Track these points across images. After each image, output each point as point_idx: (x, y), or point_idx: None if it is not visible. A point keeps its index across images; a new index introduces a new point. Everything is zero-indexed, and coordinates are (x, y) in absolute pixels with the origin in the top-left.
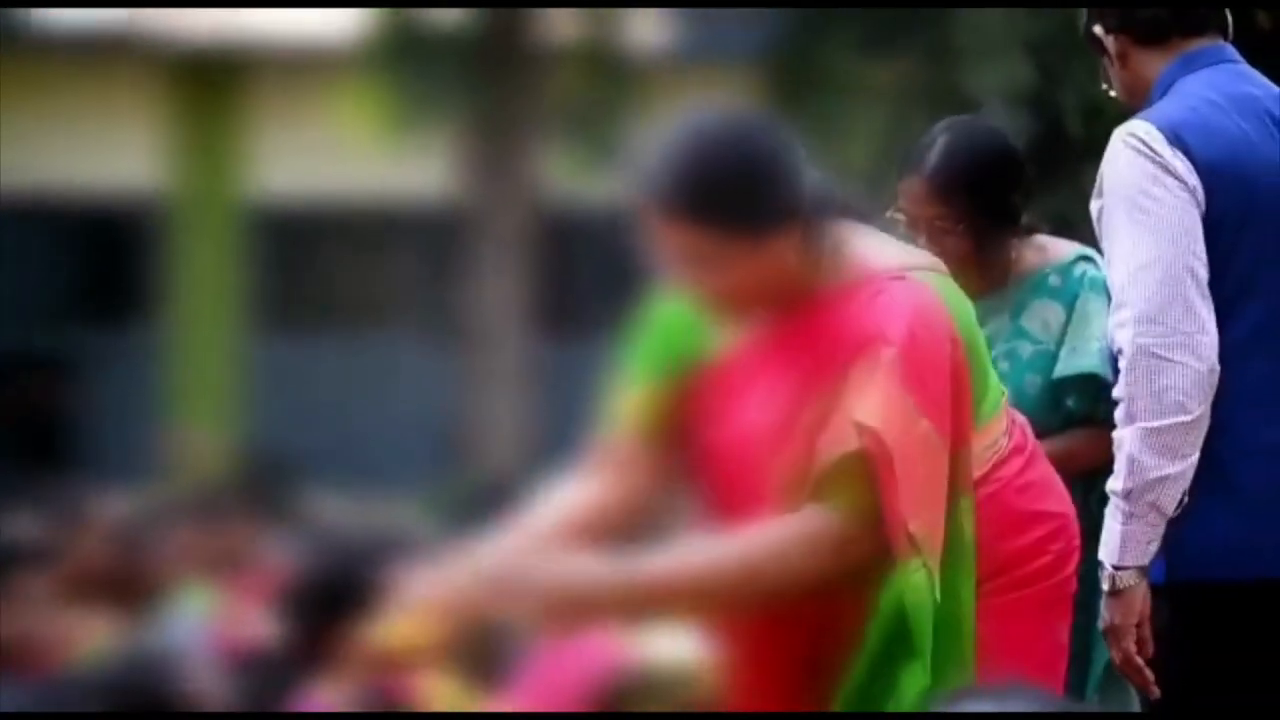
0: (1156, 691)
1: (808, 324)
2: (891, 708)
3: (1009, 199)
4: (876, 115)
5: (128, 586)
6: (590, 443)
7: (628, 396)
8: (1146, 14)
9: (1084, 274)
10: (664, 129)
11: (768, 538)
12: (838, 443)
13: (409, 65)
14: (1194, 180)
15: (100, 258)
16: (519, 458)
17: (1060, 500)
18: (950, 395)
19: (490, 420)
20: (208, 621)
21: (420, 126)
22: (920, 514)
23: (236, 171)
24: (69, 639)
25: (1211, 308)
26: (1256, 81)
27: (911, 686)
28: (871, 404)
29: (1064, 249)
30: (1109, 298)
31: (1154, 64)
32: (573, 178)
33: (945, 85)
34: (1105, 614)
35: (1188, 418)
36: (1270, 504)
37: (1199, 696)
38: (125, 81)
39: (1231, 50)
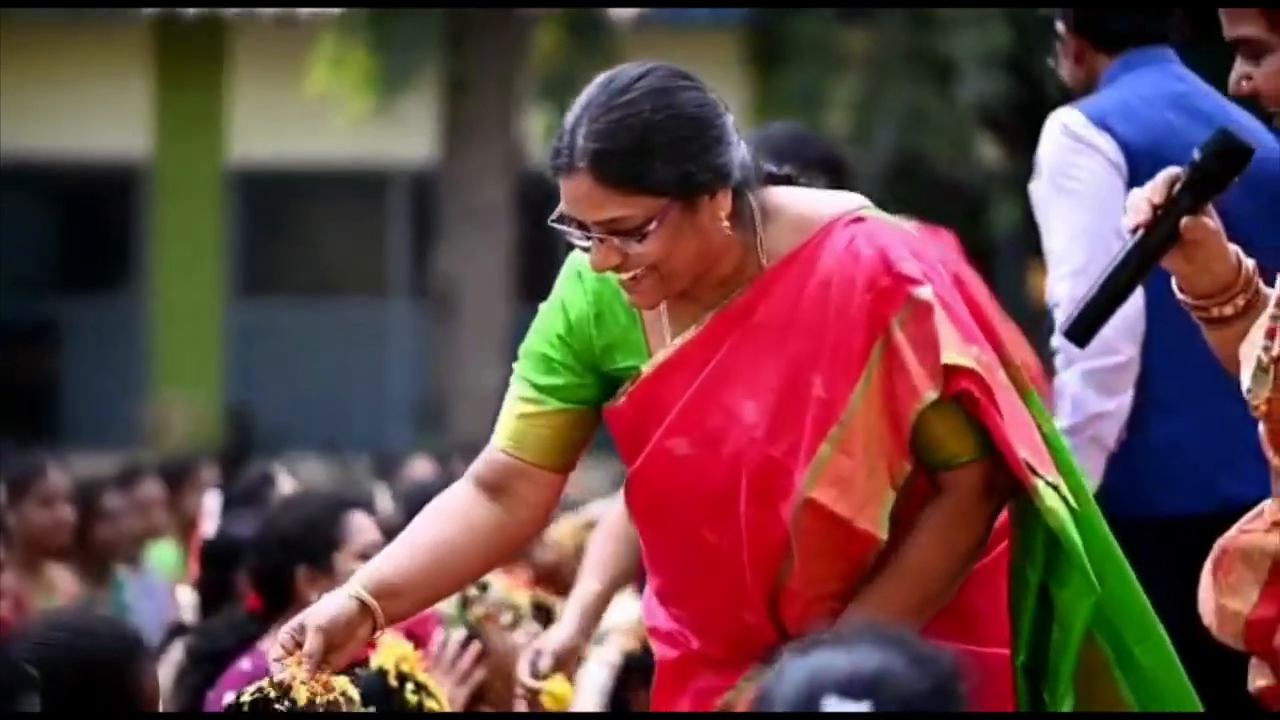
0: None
1: (771, 299)
2: (1063, 633)
3: None
4: (854, 81)
5: (91, 547)
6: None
7: (530, 408)
8: (1114, 25)
9: None
10: (588, 93)
11: (947, 513)
12: (922, 395)
13: (389, 29)
14: (1118, 157)
15: (82, 224)
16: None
17: None
18: (980, 322)
19: (469, 383)
20: (174, 580)
21: (400, 90)
22: (1023, 440)
23: (218, 136)
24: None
25: None
26: (1187, 79)
27: (1081, 607)
28: (949, 345)
29: None
30: None
31: (1103, 64)
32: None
33: (923, 51)
34: None
35: (1120, 358)
36: (1177, 448)
37: None
38: (107, 46)
39: (1171, 53)
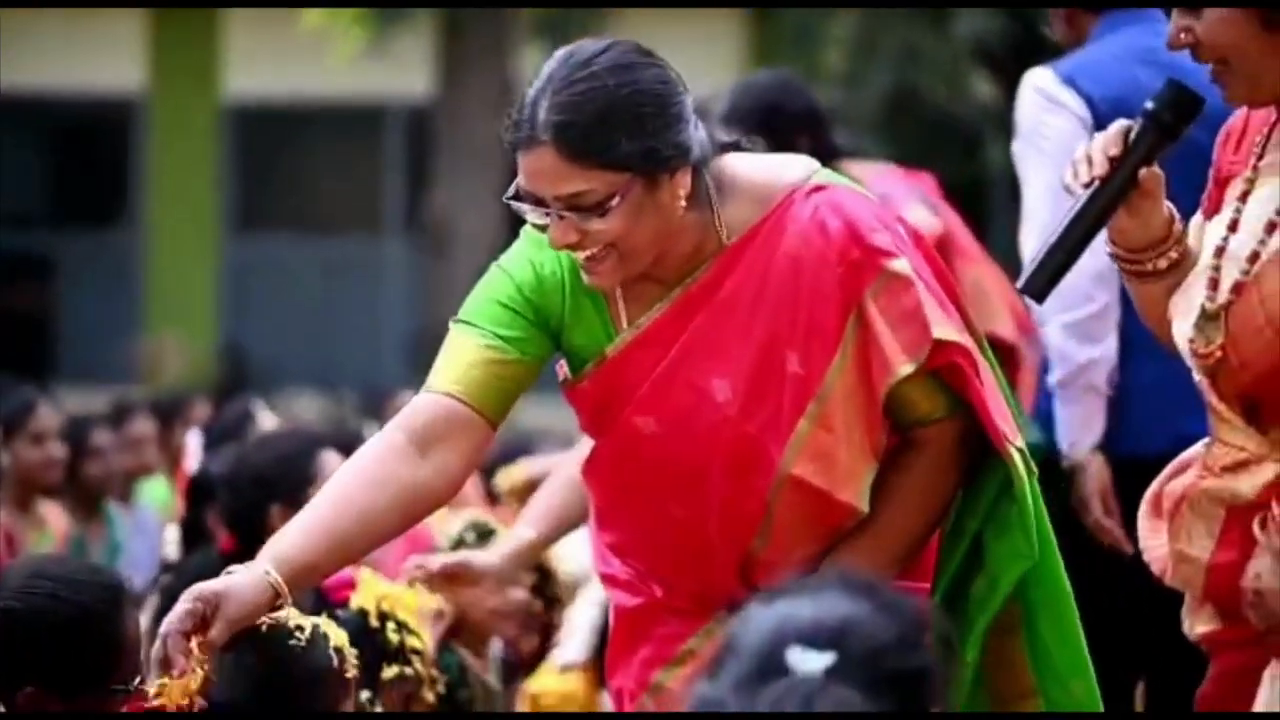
0: (1130, 548)
1: (735, 275)
2: (989, 588)
3: None
4: (850, 20)
5: (83, 484)
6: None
7: (493, 354)
8: None
9: None
10: (549, 66)
11: (921, 469)
12: (895, 369)
13: None
14: (1085, 114)
15: (78, 159)
16: None
17: None
18: (941, 284)
19: None
20: (165, 517)
21: (396, 26)
22: (997, 408)
23: (214, 71)
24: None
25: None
26: (1157, 33)
27: (1014, 567)
28: (937, 320)
29: None
30: None
31: (1091, 23)
32: None
33: None
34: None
35: (1096, 306)
36: (1142, 392)
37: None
38: None
39: (1156, 12)
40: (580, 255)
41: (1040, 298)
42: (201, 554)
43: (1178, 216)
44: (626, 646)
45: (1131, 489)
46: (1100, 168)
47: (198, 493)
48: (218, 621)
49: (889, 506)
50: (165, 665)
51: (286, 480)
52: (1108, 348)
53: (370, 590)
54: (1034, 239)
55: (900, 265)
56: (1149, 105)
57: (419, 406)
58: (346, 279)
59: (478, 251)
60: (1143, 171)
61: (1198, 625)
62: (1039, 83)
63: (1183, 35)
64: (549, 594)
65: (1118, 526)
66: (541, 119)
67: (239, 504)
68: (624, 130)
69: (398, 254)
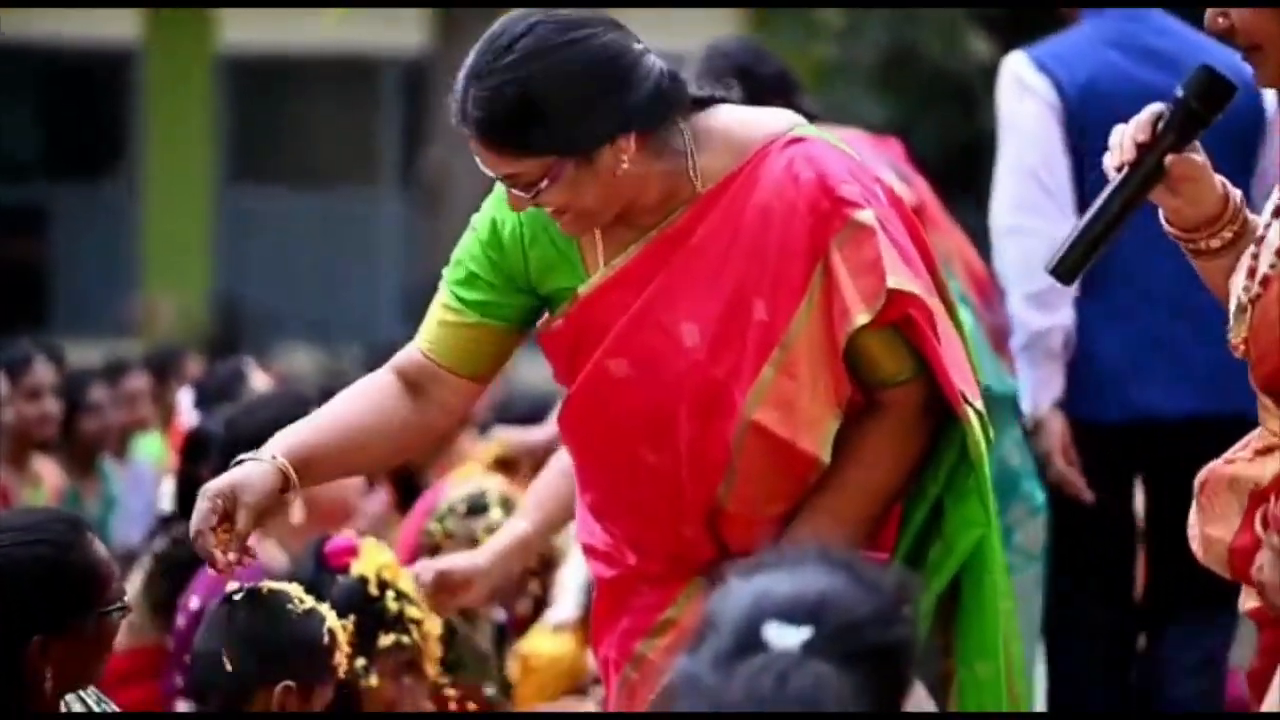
0: (1090, 496)
1: (708, 222)
2: (945, 552)
3: None
4: None
5: (78, 440)
6: None
7: (450, 316)
8: None
9: None
10: (475, 51)
11: (887, 430)
12: (852, 317)
13: None
14: (1053, 98)
15: (73, 110)
16: None
17: None
18: (915, 244)
19: None
20: (158, 471)
21: None
22: (956, 366)
23: (209, 22)
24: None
25: (1062, 198)
26: (1144, 18)
27: (970, 533)
28: (894, 269)
29: None
30: None
31: (1079, 9)
32: None
33: None
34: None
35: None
36: (1100, 359)
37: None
38: None
39: None
40: (545, 211)
41: (1067, 280)
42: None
43: (1236, 195)
44: (608, 616)
45: (1086, 449)
46: (1129, 153)
47: (194, 449)
48: (240, 511)
49: (853, 467)
50: (212, 562)
51: None
52: (1064, 316)
53: (372, 558)
54: (1000, 211)
55: (865, 216)
56: (1179, 91)
57: (407, 355)
58: (342, 233)
59: (473, 205)
60: (1169, 158)
61: (1247, 600)
62: (1015, 68)
63: (1220, 20)
64: (542, 555)
65: (1079, 477)
66: (467, 111)
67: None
68: (542, 120)
69: (393, 208)
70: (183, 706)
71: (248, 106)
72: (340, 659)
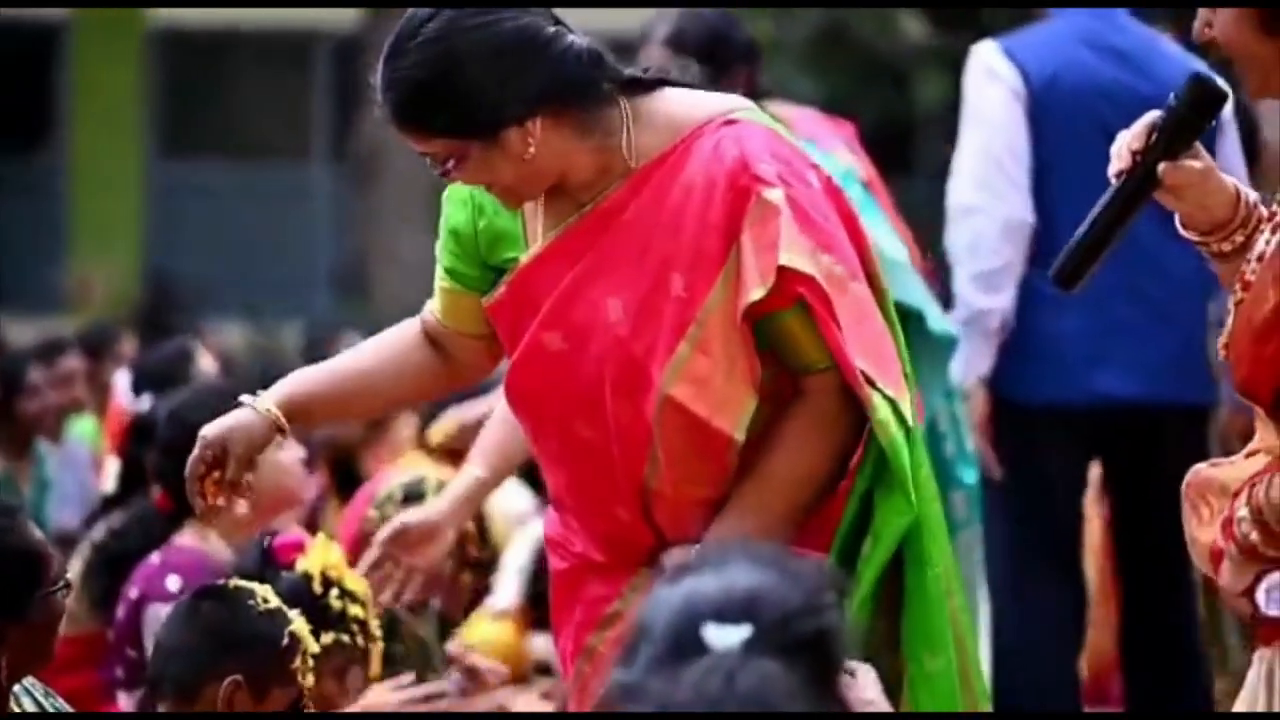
0: (998, 471)
1: (640, 198)
2: (873, 544)
3: None
4: None
5: (16, 422)
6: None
7: (444, 283)
8: None
9: None
10: (392, 33)
11: (807, 418)
12: (749, 294)
13: None
14: (1018, 86)
15: (1, 85)
16: (419, 291)
17: None
18: (841, 226)
19: (391, 249)
20: (92, 453)
21: None
22: (866, 352)
23: None
24: None
25: (1021, 185)
26: (1109, 17)
27: (895, 523)
28: (790, 247)
29: None
30: None
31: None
32: None
33: None
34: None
35: (1000, 261)
36: (1059, 342)
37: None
38: None
39: None
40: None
41: (1068, 286)
42: (136, 513)
43: (1250, 199)
44: (564, 608)
45: (1044, 431)
46: (1125, 161)
47: (140, 433)
48: (230, 461)
49: (777, 456)
50: (197, 507)
51: None
52: (1006, 298)
53: (319, 556)
54: (958, 189)
55: (773, 194)
56: (1171, 99)
57: (426, 311)
58: (274, 206)
59: (405, 180)
60: (1162, 166)
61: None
62: (983, 55)
63: (1205, 30)
64: (484, 539)
65: (991, 450)
66: (380, 92)
67: (176, 463)
68: (443, 105)
69: (325, 181)
70: (123, 698)
71: (180, 79)
72: (300, 664)
